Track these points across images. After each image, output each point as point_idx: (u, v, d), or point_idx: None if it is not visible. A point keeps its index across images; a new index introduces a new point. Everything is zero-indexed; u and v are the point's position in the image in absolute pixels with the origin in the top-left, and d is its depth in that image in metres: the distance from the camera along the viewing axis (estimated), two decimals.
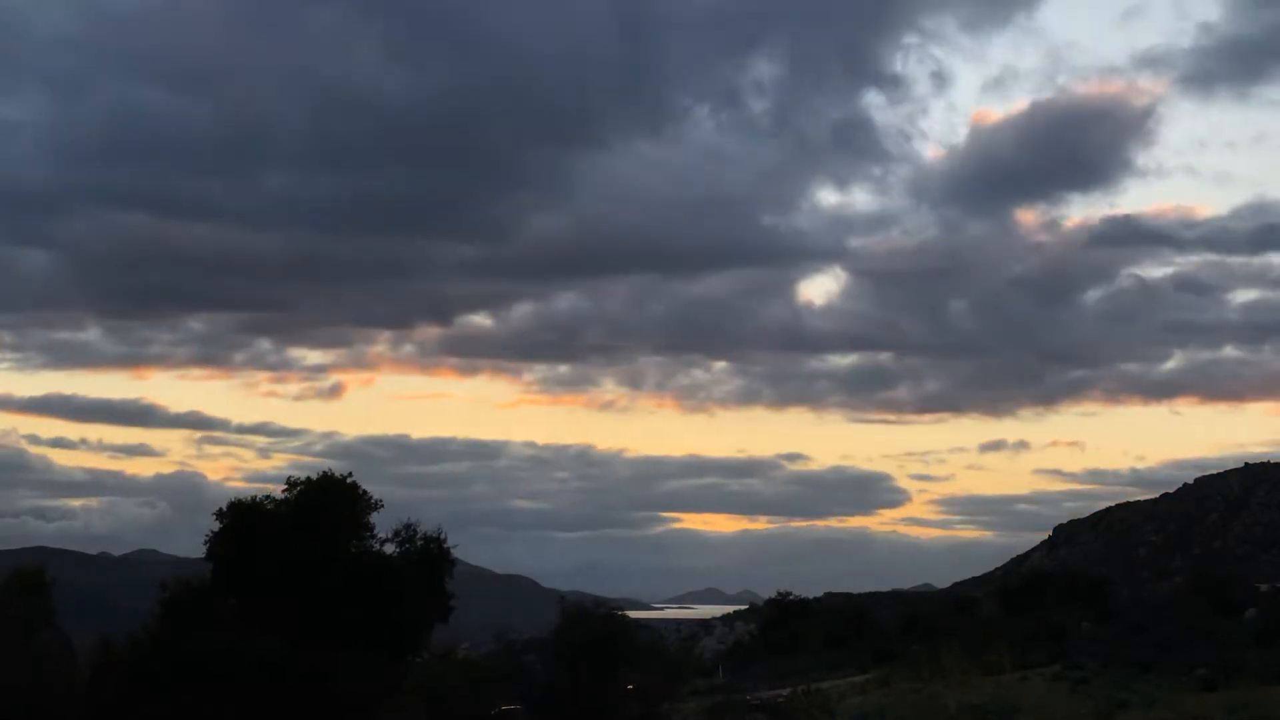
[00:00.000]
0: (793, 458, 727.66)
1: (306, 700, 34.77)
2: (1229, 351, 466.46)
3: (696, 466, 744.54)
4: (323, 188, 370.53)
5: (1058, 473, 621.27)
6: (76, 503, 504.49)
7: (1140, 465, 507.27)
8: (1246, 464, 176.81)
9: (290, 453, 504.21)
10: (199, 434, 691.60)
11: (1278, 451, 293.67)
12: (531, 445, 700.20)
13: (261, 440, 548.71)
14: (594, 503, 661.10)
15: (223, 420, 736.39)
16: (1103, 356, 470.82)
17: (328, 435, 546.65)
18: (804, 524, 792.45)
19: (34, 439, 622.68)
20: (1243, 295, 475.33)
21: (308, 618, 37.53)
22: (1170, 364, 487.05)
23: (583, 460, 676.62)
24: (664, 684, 47.35)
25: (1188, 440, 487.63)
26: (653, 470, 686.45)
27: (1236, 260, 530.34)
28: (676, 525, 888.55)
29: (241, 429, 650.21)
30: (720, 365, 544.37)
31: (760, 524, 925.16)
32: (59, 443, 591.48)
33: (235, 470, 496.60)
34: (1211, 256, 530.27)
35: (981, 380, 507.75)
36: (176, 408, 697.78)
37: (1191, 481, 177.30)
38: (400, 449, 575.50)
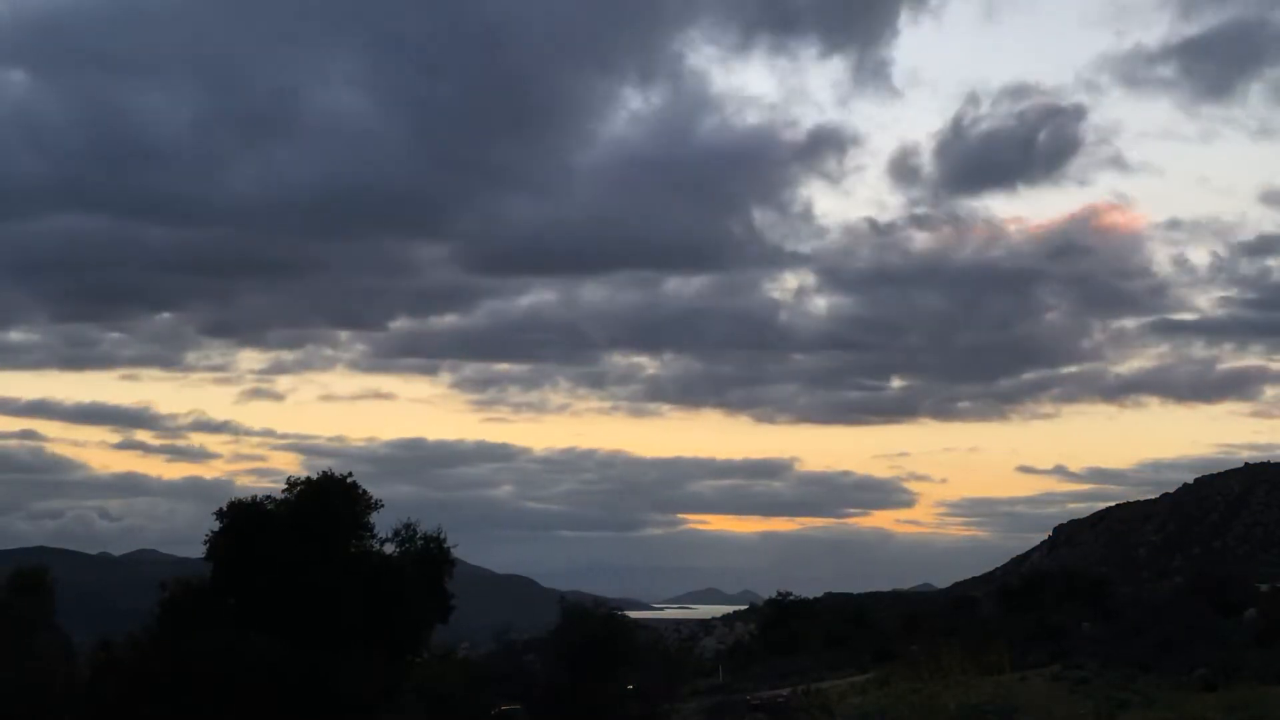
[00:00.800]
0: (789, 460, 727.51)
1: (306, 700, 34.76)
2: (1204, 351, 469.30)
3: (695, 468, 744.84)
4: (291, 185, 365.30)
5: (1057, 472, 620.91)
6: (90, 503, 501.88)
7: (1136, 465, 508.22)
8: (1247, 464, 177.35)
9: (291, 452, 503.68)
10: (202, 437, 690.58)
11: (1278, 453, 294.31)
12: (532, 447, 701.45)
13: (268, 442, 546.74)
14: (594, 503, 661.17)
15: (224, 422, 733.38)
16: (1088, 356, 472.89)
17: (326, 437, 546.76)
18: (804, 525, 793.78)
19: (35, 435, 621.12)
20: (1206, 295, 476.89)
21: (308, 618, 37.51)
22: (1153, 363, 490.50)
23: (585, 462, 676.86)
24: (664, 684, 47.32)
25: (1176, 440, 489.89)
26: (652, 472, 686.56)
27: (1203, 259, 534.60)
28: (677, 526, 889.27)
29: (249, 432, 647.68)
30: (706, 366, 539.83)
31: (759, 525, 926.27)
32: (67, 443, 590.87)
33: (238, 472, 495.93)
34: (1179, 256, 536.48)
35: (973, 380, 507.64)
36: (174, 410, 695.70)
37: (1191, 481, 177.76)
38: (410, 451, 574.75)
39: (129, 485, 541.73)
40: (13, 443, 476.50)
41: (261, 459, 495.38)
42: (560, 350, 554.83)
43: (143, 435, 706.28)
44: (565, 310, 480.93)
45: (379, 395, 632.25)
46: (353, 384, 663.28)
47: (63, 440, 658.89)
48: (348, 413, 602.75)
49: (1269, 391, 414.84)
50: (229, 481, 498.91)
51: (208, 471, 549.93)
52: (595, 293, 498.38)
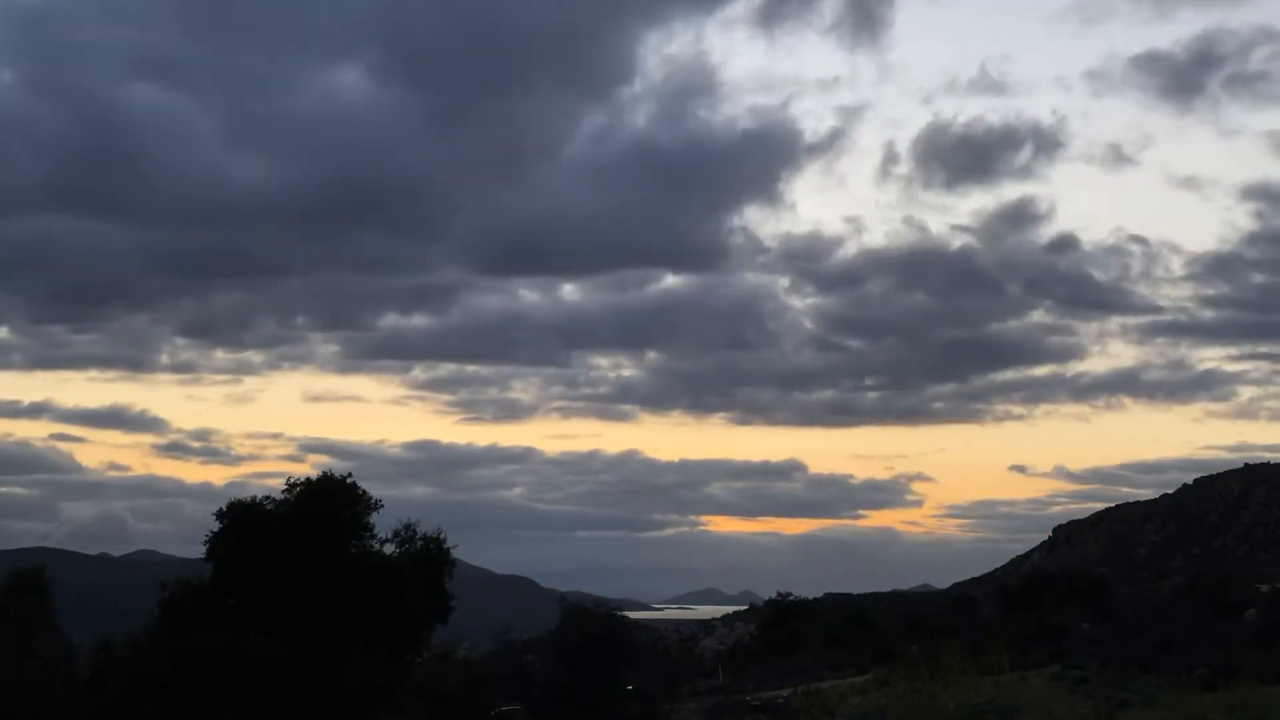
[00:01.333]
0: (793, 462, 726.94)
1: (306, 700, 34.76)
2: (1192, 351, 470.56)
3: (694, 469, 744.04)
4: (287, 184, 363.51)
5: (1056, 473, 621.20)
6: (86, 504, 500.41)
7: (1134, 465, 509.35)
8: (1246, 464, 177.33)
9: (313, 454, 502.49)
10: (204, 438, 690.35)
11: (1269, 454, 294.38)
12: (530, 448, 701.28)
13: (273, 444, 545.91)
14: (594, 504, 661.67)
15: (217, 429, 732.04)
16: (1078, 355, 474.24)
17: (332, 439, 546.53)
18: (807, 526, 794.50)
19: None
20: (1190, 295, 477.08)
21: (307, 618, 37.51)
22: (1144, 363, 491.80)
23: (584, 462, 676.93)
24: (664, 684, 47.32)
25: (1174, 440, 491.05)
26: (652, 472, 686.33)
27: (1177, 259, 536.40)
28: (677, 527, 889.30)
29: (247, 435, 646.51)
30: (705, 367, 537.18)
31: (759, 526, 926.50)
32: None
33: (249, 475, 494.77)
34: (1162, 256, 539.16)
35: (971, 381, 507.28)
36: (172, 411, 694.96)
37: (1191, 482, 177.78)
38: (423, 452, 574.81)
39: (129, 486, 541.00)
40: (8, 443, 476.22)
41: (271, 460, 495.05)
42: (556, 351, 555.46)
43: (144, 436, 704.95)
44: (559, 311, 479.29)
45: (393, 400, 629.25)
46: (355, 384, 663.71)
47: (60, 440, 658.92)
48: (353, 414, 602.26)
49: (1249, 392, 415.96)
50: (242, 483, 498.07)
51: (212, 474, 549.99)
52: (593, 293, 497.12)
